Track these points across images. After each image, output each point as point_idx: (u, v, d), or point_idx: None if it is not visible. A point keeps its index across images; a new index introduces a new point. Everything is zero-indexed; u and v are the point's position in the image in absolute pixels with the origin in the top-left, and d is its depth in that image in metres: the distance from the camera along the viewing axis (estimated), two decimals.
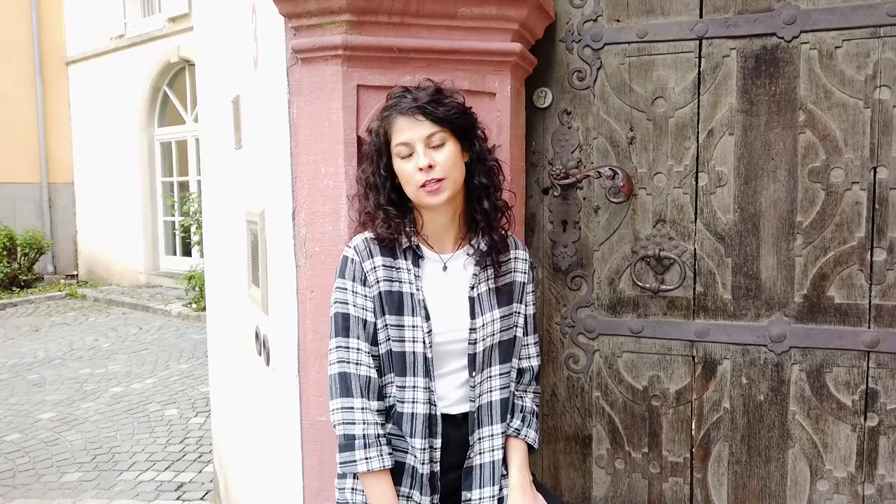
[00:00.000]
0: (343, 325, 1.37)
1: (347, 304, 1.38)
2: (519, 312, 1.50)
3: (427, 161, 1.32)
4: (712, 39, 1.79)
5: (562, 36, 1.92)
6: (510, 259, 1.50)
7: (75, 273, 11.50)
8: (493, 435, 1.45)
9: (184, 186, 10.09)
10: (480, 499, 1.44)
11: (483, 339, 1.42)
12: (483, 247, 1.43)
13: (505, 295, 1.47)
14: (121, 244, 10.64)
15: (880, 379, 1.73)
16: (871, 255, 1.71)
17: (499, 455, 1.46)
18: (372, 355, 1.37)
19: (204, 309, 8.04)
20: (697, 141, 1.82)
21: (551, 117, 1.95)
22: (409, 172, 1.35)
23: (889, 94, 1.67)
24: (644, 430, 1.94)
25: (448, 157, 1.35)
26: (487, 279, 1.45)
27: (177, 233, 9.48)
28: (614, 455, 1.98)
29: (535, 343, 1.55)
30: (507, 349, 1.48)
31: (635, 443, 1.95)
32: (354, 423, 1.33)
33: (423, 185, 1.33)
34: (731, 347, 1.84)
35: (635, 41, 1.86)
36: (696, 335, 1.86)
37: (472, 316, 1.41)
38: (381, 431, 1.35)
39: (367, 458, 1.32)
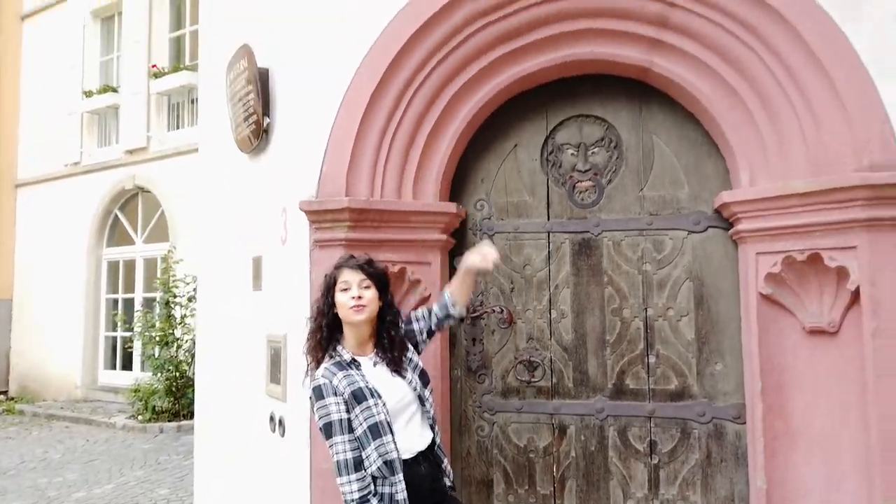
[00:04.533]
0: (332, 430, 2.17)
1: (331, 413, 2.19)
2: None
3: (358, 293, 2.25)
4: (556, 233, 3.10)
5: (471, 226, 3.18)
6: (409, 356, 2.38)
7: (5, 390, 11.65)
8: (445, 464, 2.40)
9: (129, 303, 10.72)
10: None
11: (416, 387, 2.30)
12: (389, 352, 2.28)
13: (409, 364, 2.35)
14: (59, 359, 11.01)
15: (658, 433, 2.93)
16: (648, 360, 2.96)
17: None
18: (353, 442, 2.14)
19: (149, 420, 8.60)
20: (550, 291, 3.08)
21: None
22: (344, 300, 2.27)
23: (650, 267, 2.99)
24: (525, 474, 3.04)
25: (370, 295, 2.28)
26: (400, 361, 2.31)
27: (130, 348, 10.01)
28: (507, 492, 3.06)
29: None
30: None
31: (520, 482, 3.05)
32: (353, 491, 2.14)
33: (352, 307, 2.26)
34: (574, 417, 3.01)
35: (512, 231, 3.14)
36: (554, 410, 3.03)
37: (403, 378, 2.27)
38: (371, 489, 2.14)
39: None
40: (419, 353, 2.45)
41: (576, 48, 2.88)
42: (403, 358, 2.33)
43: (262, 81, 3.17)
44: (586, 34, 2.84)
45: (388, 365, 2.30)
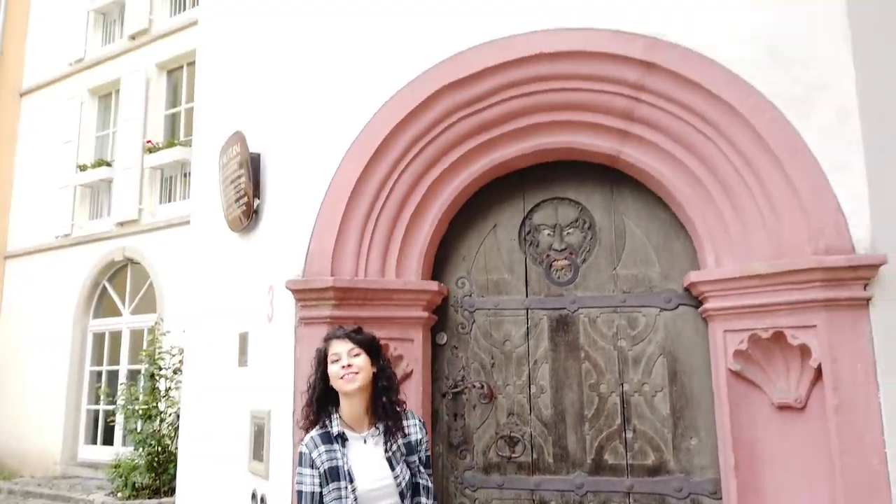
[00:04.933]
0: (301, 500, 2.25)
1: (304, 484, 2.27)
2: (419, 457, 2.41)
3: (348, 361, 2.31)
4: (534, 309, 3.21)
5: (452, 303, 3.29)
6: (406, 426, 2.41)
7: None
8: None
9: (113, 375, 10.61)
10: None
11: (401, 482, 2.35)
12: (385, 426, 2.33)
13: (407, 448, 2.38)
14: (39, 433, 10.79)
15: None
16: (625, 435, 3.03)
17: None
18: None
19: (129, 497, 8.38)
20: (529, 366, 3.16)
21: (446, 350, 3.26)
22: (336, 370, 2.33)
23: (625, 343, 3.09)
24: None
25: (360, 362, 2.33)
26: (395, 442, 2.35)
27: (112, 422, 9.85)
28: None
29: (429, 473, 2.44)
30: (414, 485, 2.42)
31: None
32: None
33: (343, 377, 2.32)
34: (554, 493, 3.04)
35: (493, 308, 3.25)
36: (534, 486, 3.06)
37: (392, 468, 2.32)
38: None
39: None
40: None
41: (549, 138, 3.08)
42: (398, 432, 2.34)
43: (253, 166, 3.34)
44: (559, 125, 3.04)
45: (384, 444, 2.31)
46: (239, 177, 3.41)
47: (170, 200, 10.67)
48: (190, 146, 10.22)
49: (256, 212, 3.37)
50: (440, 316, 3.24)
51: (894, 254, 2.50)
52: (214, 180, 3.85)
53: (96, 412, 10.71)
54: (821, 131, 2.61)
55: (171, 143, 10.46)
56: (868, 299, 2.50)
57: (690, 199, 2.89)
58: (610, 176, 3.20)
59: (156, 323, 9.24)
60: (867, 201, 2.52)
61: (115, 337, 10.88)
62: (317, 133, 3.12)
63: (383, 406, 2.35)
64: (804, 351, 2.60)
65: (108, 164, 11.27)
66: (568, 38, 2.91)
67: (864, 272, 2.48)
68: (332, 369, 2.32)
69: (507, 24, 2.96)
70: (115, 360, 10.81)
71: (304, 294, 2.93)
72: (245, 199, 3.36)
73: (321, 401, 2.36)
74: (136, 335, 10.43)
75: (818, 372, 2.56)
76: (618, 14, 2.86)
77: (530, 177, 3.29)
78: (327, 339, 2.40)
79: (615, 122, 2.97)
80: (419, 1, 3.09)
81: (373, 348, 2.39)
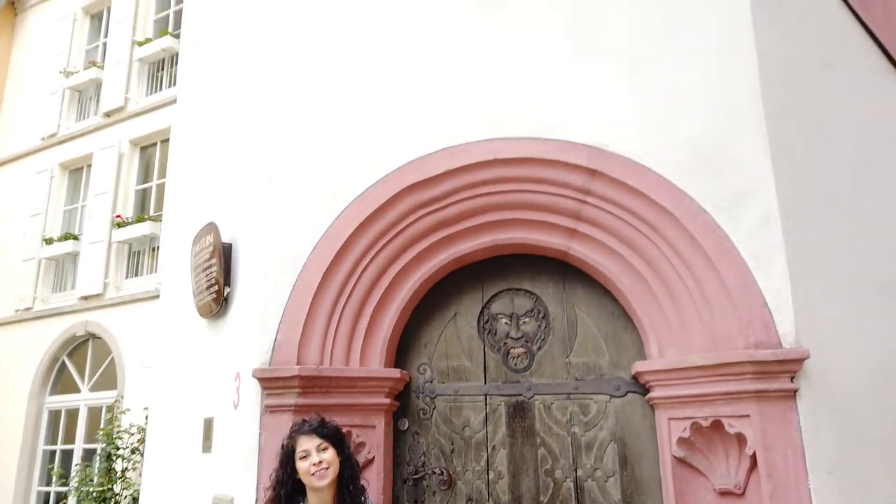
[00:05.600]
0: None
1: None
2: None
3: (318, 458, 2.43)
4: (492, 395, 3.35)
5: (414, 389, 3.42)
6: None
7: None
8: None
9: (68, 455, 10.29)
10: None
11: None
12: None
13: None
14: None
15: None
16: None
17: None
18: None
19: None
20: (487, 452, 3.28)
21: (408, 436, 3.36)
22: (305, 467, 2.44)
23: (578, 429, 3.24)
24: None
25: (329, 457, 2.46)
26: None
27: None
28: None
29: None
30: None
31: None
32: None
33: (314, 473, 2.43)
34: None
35: (453, 394, 3.38)
36: None
37: None
38: None
39: None
40: None
41: (505, 234, 3.31)
42: None
43: (225, 255, 3.49)
44: (513, 223, 3.28)
45: None
46: (211, 265, 3.55)
47: (136, 275, 10.66)
48: (159, 221, 10.31)
49: (226, 300, 3.50)
50: (402, 402, 3.36)
51: (817, 348, 2.73)
52: (184, 265, 3.98)
53: (47, 494, 10.31)
54: (747, 234, 2.88)
55: (140, 218, 10.55)
56: (795, 391, 2.72)
57: (634, 293, 3.12)
58: (562, 269, 3.42)
59: (115, 400, 9.08)
60: (790, 299, 2.77)
61: (72, 414, 10.60)
62: (288, 227, 3.30)
63: (350, 493, 2.45)
64: (740, 439, 2.78)
65: (76, 238, 11.27)
66: (520, 146, 3.19)
67: (790, 366, 2.70)
68: (302, 466, 2.42)
69: (465, 132, 3.23)
70: (70, 438, 10.50)
71: (270, 382, 3.04)
72: (216, 287, 3.50)
73: (290, 496, 2.45)
74: (94, 413, 10.19)
75: (754, 459, 2.74)
76: (565, 126, 3.15)
77: (488, 268, 3.49)
78: (294, 435, 2.50)
79: (565, 221, 3.22)
80: (387, 109, 3.36)
81: (339, 440, 2.51)
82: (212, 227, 3.60)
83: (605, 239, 3.15)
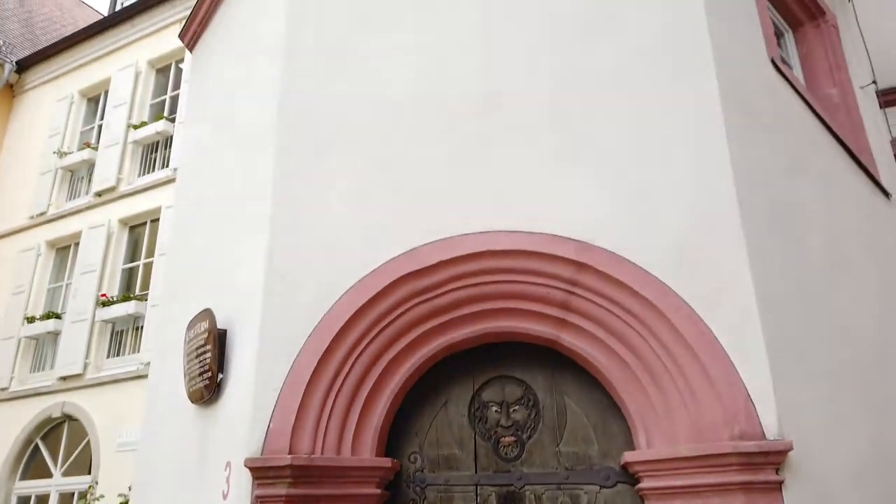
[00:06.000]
0: None
1: None
2: None
3: None
4: (483, 485, 3.36)
5: (404, 478, 3.41)
6: None
7: None
8: None
9: None
10: None
11: None
12: None
13: None
14: None
15: None
16: None
17: None
18: None
19: None
20: None
21: None
22: None
23: None
24: None
25: None
26: None
27: None
28: None
29: None
30: None
31: None
32: None
33: None
34: None
35: (443, 484, 3.38)
36: None
37: None
38: None
39: None
40: None
41: (496, 322, 3.41)
42: None
43: (220, 342, 3.55)
44: (504, 312, 3.39)
45: None
46: (205, 352, 3.59)
47: (118, 354, 10.53)
48: (145, 300, 10.31)
49: (219, 386, 3.53)
50: (392, 491, 3.35)
51: (800, 440, 2.81)
52: (174, 347, 4.01)
53: None
54: (728, 327, 3.01)
55: (125, 297, 10.52)
56: (780, 483, 2.77)
57: (622, 383, 3.21)
58: (552, 357, 3.50)
59: (89, 486, 8.79)
60: (772, 391, 2.87)
61: (42, 501, 10.21)
62: (284, 315, 3.38)
63: None
64: None
65: (58, 317, 11.17)
66: (511, 239, 3.34)
67: (775, 457, 2.77)
68: None
69: (459, 224, 3.38)
70: None
71: (262, 472, 3.04)
72: (209, 374, 3.53)
73: None
74: (66, 499, 9.83)
75: None
76: (554, 221, 3.32)
77: (479, 356, 3.57)
78: None
79: (554, 311, 3.33)
80: (383, 201, 3.52)
81: None
82: (208, 314, 3.66)
83: (594, 329, 3.26)
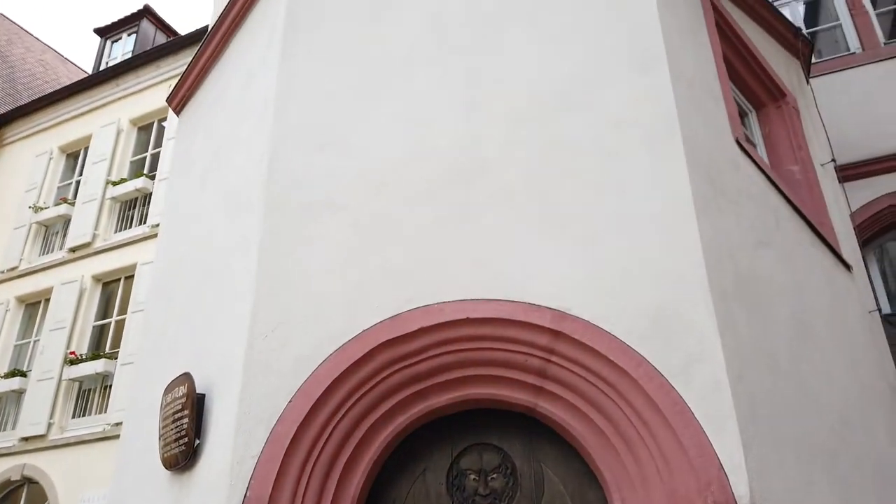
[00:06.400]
0: None
1: None
2: None
3: None
4: None
5: None
6: None
7: None
8: None
9: None
10: None
11: None
12: None
13: None
14: None
15: None
16: None
17: None
18: None
19: None
20: None
21: None
22: None
23: None
24: None
25: None
26: None
27: None
28: None
29: None
30: None
31: None
32: None
33: None
34: None
35: None
36: None
37: None
38: None
39: None
40: None
41: (474, 389, 3.45)
42: None
43: (198, 407, 3.53)
44: (483, 378, 3.44)
45: None
46: (182, 416, 3.57)
47: (84, 414, 10.26)
48: (115, 359, 10.12)
49: (195, 452, 3.49)
50: None
51: None
52: (148, 410, 3.97)
53: None
54: (700, 397, 3.09)
55: (95, 355, 10.33)
56: None
57: (598, 451, 3.25)
58: (529, 424, 3.54)
59: None
60: (744, 461, 2.93)
61: None
62: (263, 381, 3.39)
63: None
64: None
65: (24, 374, 10.90)
66: (490, 307, 3.42)
67: None
68: None
69: (440, 292, 3.46)
70: None
71: None
72: (186, 439, 3.50)
73: None
74: None
75: None
76: (531, 289, 3.41)
77: (458, 422, 3.59)
78: None
79: (531, 379, 3.39)
80: (366, 268, 3.59)
81: None
82: (187, 378, 3.66)
83: (570, 397, 3.32)
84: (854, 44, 7.38)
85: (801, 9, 8.11)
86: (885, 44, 7.26)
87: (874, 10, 7.58)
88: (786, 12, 7.79)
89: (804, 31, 7.50)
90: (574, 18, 4.02)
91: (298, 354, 3.43)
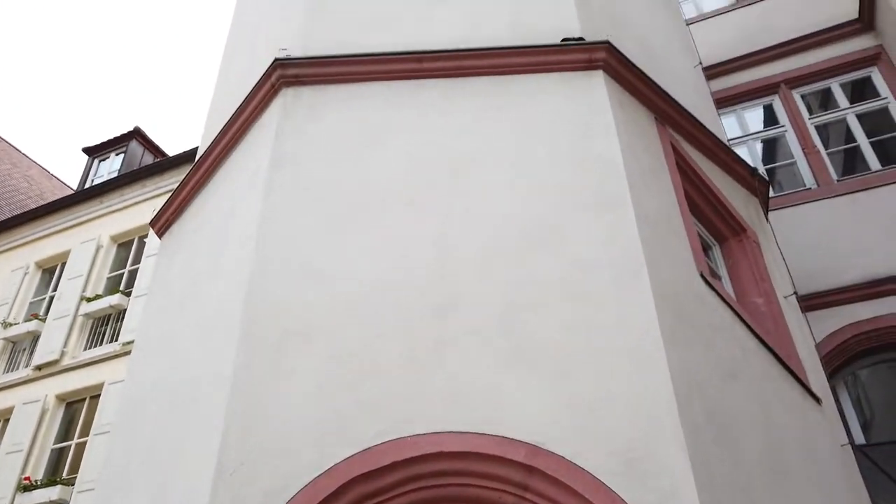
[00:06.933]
0: None
1: None
2: None
3: None
4: None
5: None
6: None
7: None
8: None
9: None
10: None
11: None
12: None
13: None
14: None
15: None
16: None
17: None
18: None
19: None
20: None
21: None
22: None
23: None
24: None
25: None
26: None
27: None
28: None
29: None
30: None
31: None
32: None
33: None
34: None
35: None
36: None
37: None
38: None
39: None
40: None
41: None
42: None
43: None
44: None
45: None
46: None
47: None
48: (72, 485, 9.61)
49: None
50: None
51: None
52: None
53: None
54: None
55: (51, 481, 9.82)
56: None
57: None
58: None
59: None
60: None
61: None
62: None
63: None
64: None
65: None
66: (463, 440, 3.40)
67: None
68: None
69: (412, 425, 3.44)
70: None
71: None
72: None
73: None
74: None
75: None
76: (505, 423, 3.41)
77: None
78: None
79: None
80: (337, 400, 3.58)
81: None
82: None
83: None
84: (809, 180, 7.84)
85: (758, 146, 8.67)
86: (838, 181, 7.73)
87: (825, 149, 8.12)
88: (744, 150, 8.32)
89: (762, 168, 7.99)
90: (542, 162, 4.29)
91: (268, 488, 3.33)
